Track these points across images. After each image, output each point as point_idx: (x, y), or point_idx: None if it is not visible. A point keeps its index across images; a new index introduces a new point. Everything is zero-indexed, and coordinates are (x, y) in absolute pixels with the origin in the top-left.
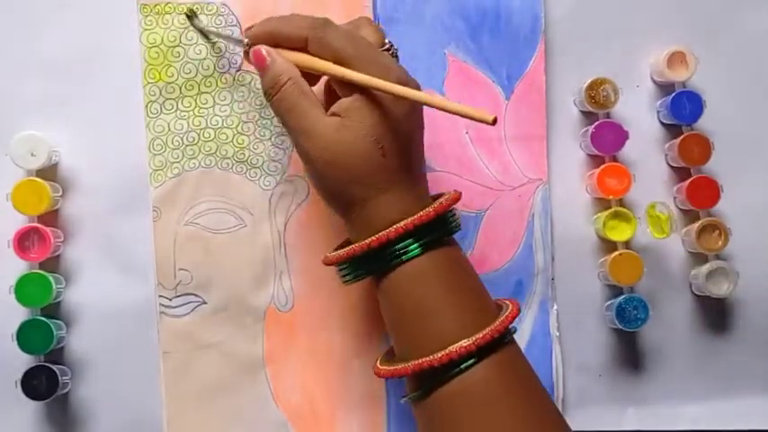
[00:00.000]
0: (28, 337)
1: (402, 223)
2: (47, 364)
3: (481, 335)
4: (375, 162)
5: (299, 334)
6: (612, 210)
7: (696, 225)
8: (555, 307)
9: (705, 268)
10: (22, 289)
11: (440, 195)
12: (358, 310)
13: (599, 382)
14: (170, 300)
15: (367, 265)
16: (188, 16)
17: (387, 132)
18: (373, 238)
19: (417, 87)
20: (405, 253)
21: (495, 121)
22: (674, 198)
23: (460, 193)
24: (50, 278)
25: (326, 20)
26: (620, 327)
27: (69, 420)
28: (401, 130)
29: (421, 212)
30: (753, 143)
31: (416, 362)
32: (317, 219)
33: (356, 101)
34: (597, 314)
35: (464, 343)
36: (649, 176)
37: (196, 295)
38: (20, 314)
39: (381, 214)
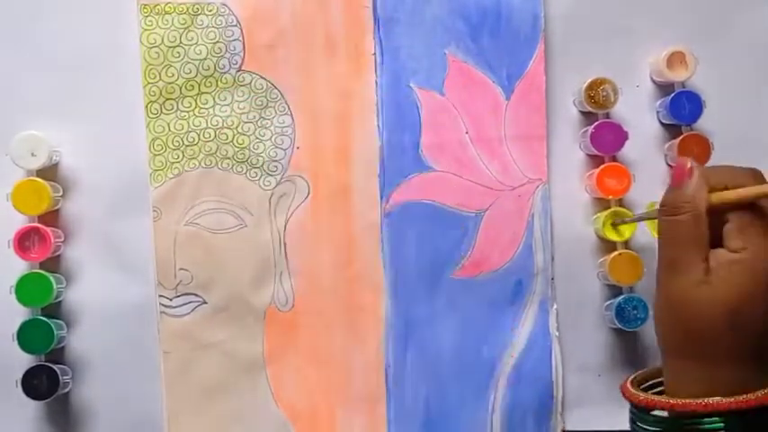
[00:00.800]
0: (28, 336)
1: (733, 399)
2: (47, 364)
3: None
4: (720, 332)
5: (299, 334)
6: (612, 210)
7: None
8: (555, 307)
9: None
10: (23, 289)
11: None
12: (358, 311)
13: (599, 382)
14: (170, 299)
15: (670, 425)
16: None
17: (750, 305)
18: (701, 401)
19: None
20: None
21: None
22: None
23: None
24: (51, 278)
25: (752, 170)
26: (619, 327)
27: (69, 420)
28: (764, 307)
29: (750, 395)
30: (752, 143)
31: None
32: (317, 219)
33: (735, 259)
34: (597, 314)
35: None
36: (649, 176)
37: (196, 295)
38: (20, 314)
39: (702, 385)
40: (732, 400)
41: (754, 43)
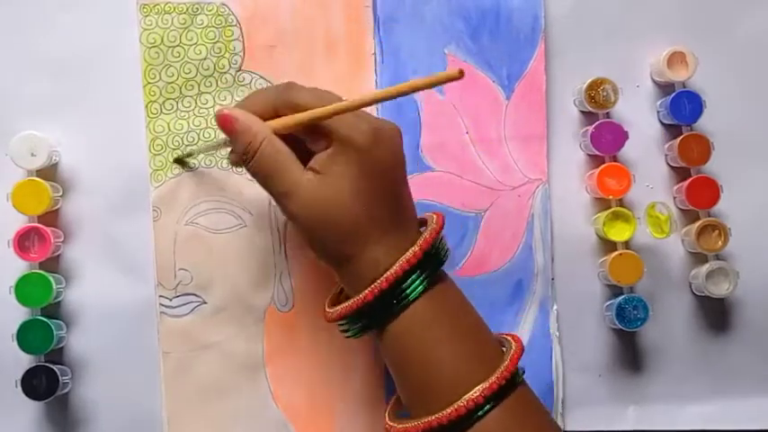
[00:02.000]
0: (28, 337)
1: (398, 264)
2: (47, 364)
3: (488, 383)
4: (360, 216)
5: (299, 334)
6: (612, 210)
7: (696, 225)
8: (555, 307)
9: (705, 268)
10: (22, 289)
11: (423, 222)
12: None
13: (599, 382)
14: (170, 300)
15: (368, 318)
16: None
17: (368, 180)
18: (368, 290)
19: (395, 131)
20: (408, 295)
21: (461, 73)
22: (674, 198)
23: (443, 217)
24: (50, 278)
25: (289, 83)
26: (619, 327)
27: (69, 420)
28: (383, 174)
29: (414, 247)
30: (753, 143)
31: (427, 420)
32: None
33: (331, 152)
34: (597, 314)
35: (473, 395)
36: (649, 176)
37: (196, 295)
38: (20, 314)
39: (374, 265)
40: (404, 259)
41: (754, 43)
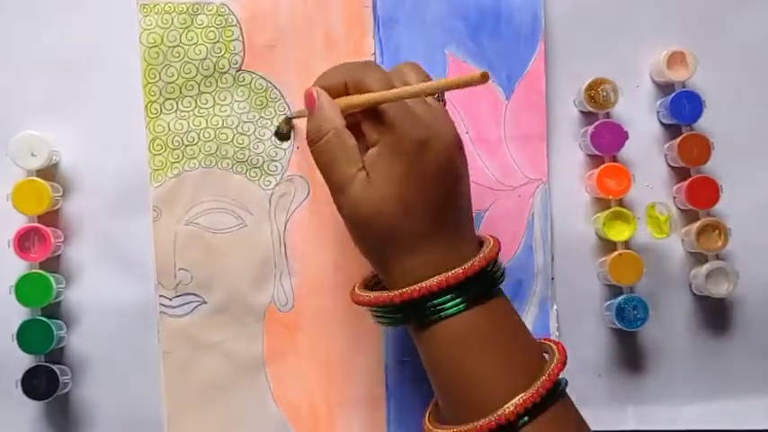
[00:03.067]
0: (28, 336)
1: (435, 279)
2: (47, 364)
3: (527, 395)
4: (396, 224)
5: (299, 334)
6: (612, 210)
7: (696, 225)
8: (555, 307)
9: (705, 268)
10: (23, 289)
11: (481, 242)
12: (358, 310)
13: (599, 382)
14: (170, 299)
15: (404, 314)
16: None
17: (411, 189)
18: (396, 293)
19: (459, 136)
20: (443, 310)
21: (484, 76)
22: (674, 198)
23: (499, 243)
24: (50, 278)
25: (366, 62)
26: (619, 327)
27: (69, 420)
28: (429, 183)
29: (458, 269)
30: (753, 143)
31: (460, 428)
32: (317, 219)
33: (378, 151)
34: (597, 314)
35: (508, 408)
36: (649, 176)
37: (196, 295)
38: (20, 314)
39: (407, 274)
40: (450, 274)
41: (754, 43)
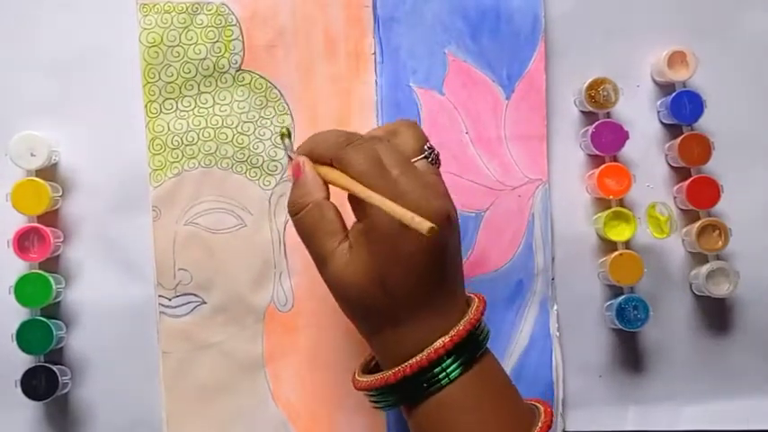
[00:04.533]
0: (28, 337)
1: (423, 354)
2: (47, 364)
3: None
4: (381, 298)
5: (299, 334)
6: (612, 210)
7: (696, 225)
8: (555, 307)
9: (705, 268)
10: (22, 289)
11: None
12: None
13: (599, 382)
14: (170, 300)
15: (398, 394)
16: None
17: (395, 265)
18: (391, 372)
19: (447, 209)
20: (437, 381)
21: (431, 231)
22: (674, 198)
23: (485, 301)
24: (50, 278)
25: (351, 136)
26: (620, 327)
27: (69, 420)
28: (415, 260)
29: (438, 342)
30: (753, 143)
31: None
32: None
33: (364, 228)
34: (597, 314)
35: None
36: (649, 176)
37: (196, 295)
38: (20, 314)
39: (400, 345)
40: (437, 345)
41: (754, 43)
